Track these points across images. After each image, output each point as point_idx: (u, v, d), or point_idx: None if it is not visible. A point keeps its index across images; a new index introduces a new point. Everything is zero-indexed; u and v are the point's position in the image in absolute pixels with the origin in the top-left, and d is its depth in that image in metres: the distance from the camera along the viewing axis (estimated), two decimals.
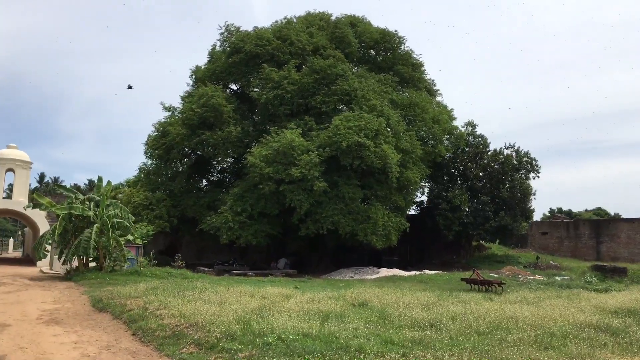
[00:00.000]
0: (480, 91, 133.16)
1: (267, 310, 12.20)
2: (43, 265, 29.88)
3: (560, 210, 74.75)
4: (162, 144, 34.69)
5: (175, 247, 40.30)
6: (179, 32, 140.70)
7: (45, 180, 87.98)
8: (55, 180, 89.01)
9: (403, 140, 33.97)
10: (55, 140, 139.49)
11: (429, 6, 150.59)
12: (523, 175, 40.47)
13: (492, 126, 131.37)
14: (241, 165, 34.51)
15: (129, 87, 46.28)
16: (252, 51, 35.01)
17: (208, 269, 30.50)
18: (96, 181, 26.80)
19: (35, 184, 78.47)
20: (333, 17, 40.14)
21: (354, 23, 39.98)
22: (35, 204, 25.45)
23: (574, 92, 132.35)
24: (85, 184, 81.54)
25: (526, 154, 40.96)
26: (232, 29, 38.99)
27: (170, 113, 37.06)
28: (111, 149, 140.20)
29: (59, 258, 24.71)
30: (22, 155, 35.45)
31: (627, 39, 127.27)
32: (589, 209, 72.33)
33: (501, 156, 40.13)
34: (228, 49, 37.74)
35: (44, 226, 31.70)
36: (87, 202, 24.45)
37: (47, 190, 67.25)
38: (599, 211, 68.79)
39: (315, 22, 38.89)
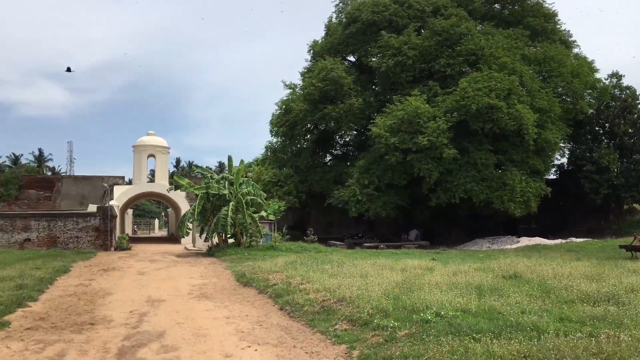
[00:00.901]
0: (626, 38, 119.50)
1: (412, 284, 11.47)
2: (186, 242, 31.82)
3: None
4: (285, 121, 35.13)
5: (303, 222, 41.02)
6: (296, 8, 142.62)
7: (181, 164, 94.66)
8: (190, 164, 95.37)
9: (539, 98, 31.21)
10: (186, 127, 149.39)
11: None
12: None
13: None
14: (365, 138, 33.94)
15: (68, 69, 46.18)
16: (369, 19, 33.94)
17: (339, 243, 30.51)
18: (226, 162, 27.70)
19: (172, 169, 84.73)
20: None
21: None
22: (176, 186, 26.97)
23: None
24: (215, 166, 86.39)
25: None
26: None
27: (291, 90, 37.40)
28: (236, 132, 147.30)
29: (200, 235, 26.01)
30: (161, 141, 37.82)
31: None
32: None
33: None
34: (344, 19, 37.05)
35: (184, 206, 33.67)
36: (221, 182, 25.35)
37: (183, 173, 71.99)
38: None
39: None
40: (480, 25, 35.56)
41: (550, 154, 33.99)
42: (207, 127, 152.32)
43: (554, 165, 38.43)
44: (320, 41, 38.88)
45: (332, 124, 33.93)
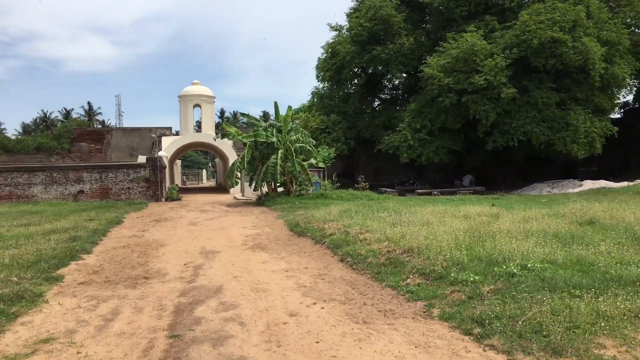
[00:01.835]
0: None
1: (481, 232, 10.55)
2: (235, 192, 31.65)
3: None
4: (332, 65, 33.79)
5: (351, 170, 40.24)
6: None
7: (226, 115, 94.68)
8: (235, 114, 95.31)
9: (606, 30, 28.65)
10: (229, 77, 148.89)
11: None
12: None
13: None
14: (416, 80, 32.30)
15: None
16: None
17: (390, 190, 29.65)
18: (271, 110, 26.92)
19: (217, 120, 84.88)
20: None
21: None
22: (223, 134, 26.45)
23: None
24: (259, 115, 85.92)
25: None
26: None
27: (337, 32, 35.82)
28: (280, 81, 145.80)
29: (250, 184, 25.62)
30: (206, 90, 37.27)
31: None
32: None
33: None
34: None
35: (231, 156, 33.35)
36: (269, 129, 24.65)
37: (228, 124, 71.91)
38: None
39: None
40: None
41: (616, 91, 31.54)
42: (250, 77, 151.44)
43: (618, 103, 35.82)
44: None
45: (381, 66, 32.40)
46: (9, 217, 18.21)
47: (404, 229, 11.19)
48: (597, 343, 4.73)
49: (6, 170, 25.41)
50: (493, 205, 18.70)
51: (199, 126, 41.68)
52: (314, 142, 26.13)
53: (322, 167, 27.30)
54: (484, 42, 27.50)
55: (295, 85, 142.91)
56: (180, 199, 27.81)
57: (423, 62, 29.49)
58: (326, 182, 25.78)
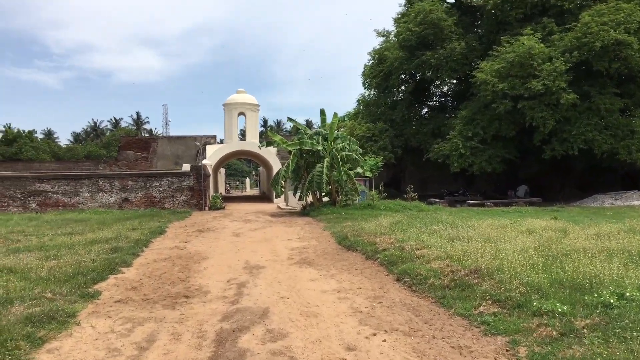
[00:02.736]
0: None
1: (553, 251, 9.45)
2: (279, 201, 31.09)
3: None
4: (379, 72, 32.94)
5: (397, 179, 39.13)
6: None
7: (269, 124, 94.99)
8: (278, 123, 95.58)
9: None
10: (272, 87, 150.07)
11: None
12: None
13: None
14: (466, 86, 31.08)
15: None
16: None
17: (439, 200, 28.44)
18: (314, 119, 26.27)
19: (260, 129, 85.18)
20: None
21: None
22: (268, 142, 25.93)
23: None
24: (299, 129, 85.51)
25: None
26: None
27: (384, 38, 34.95)
28: (323, 90, 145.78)
29: (294, 194, 24.97)
30: (251, 98, 37.05)
31: None
32: None
33: None
34: None
35: (275, 164, 32.87)
36: (315, 137, 23.96)
37: (273, 132, 71.89)
38: None
39: None
40: None
41: None
42: (294, 86, 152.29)
43: None
44: None
45: (430, 72, 31.30)
46: (54, 226, 18.10)
47: (465, 245, 10.18)
48: None
49: (54, 178, 25.62)
50: (555, 218, 17.40)
51: (243, 135, 41.53)
52: (361, 150, 25.25)
53: (368, 177, 26.39)
54: (542, 45, 26.06)
55: (340, 93, 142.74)
56: (223, 208, 27.43)
57: (475, 67, 28.28)
58: (373, 192, 24.85)
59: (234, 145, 35.14)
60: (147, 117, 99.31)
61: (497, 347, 5.24)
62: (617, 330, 5.02)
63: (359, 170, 24.57)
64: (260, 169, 51.55)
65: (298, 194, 24.40)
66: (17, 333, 5.61)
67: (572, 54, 25.23)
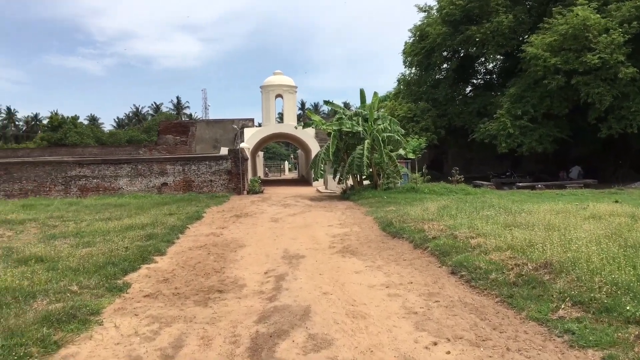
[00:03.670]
0: None
1: (628, 240, 8.34)
2: (318, 185, 30.34)
3: None
4: (421, 49, 31.54)
5: (439, 161, 37.83)
6: None
7: (307, 107, 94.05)
8: (316, 106, 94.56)
9: None
10: (309, 69, 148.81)
11: None
12: None
13: None
14: (513, 62, 29.35)
15: None
16: None
17: (485, 183, 27.09)
18: (352, 101, 25.27)
19: (297, 112, 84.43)
20: None
21: None
22: (306, 123, 25.15)
23: None
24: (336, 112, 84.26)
25: None
26: None
27: (426, 14, 33.39)
28: (361, 72, 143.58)
29: (334, 177, 24.17)
30: (288, 80, 36.24)
31: None
32: None
33: None
34: None
35: (314, 146, 32.10)
36: (354, 118, 23.01)
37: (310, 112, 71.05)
38: None
39: None
40: None
41: None
42: (331, 68, 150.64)
43: None
44: None
45: (475, 48, 29.73)
46: (93, 211, 17.91)
47: (527, 233, 9.17)
48: None
49: (93, 162, 25.58)
50: (616, 201, 16.03)
51: (281, 118, 40.88)
52: (403, 131, 24.16)
53: (410, 159, 25.30)
54: (597, 15, 24.20)
55: (378, 74, 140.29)
56: (262, 192, 26.88)
57: (524, 41, 26.63)
58: (416, 174, 23.77)
59: (272, 127, 34.51)
60: (187, 102, 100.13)
61: None
62: None
63: (401, 152, 23.51)
64: (299, 151, 50.91)
65: (338, 177, 23.59)
66: (31, 336, 5.02)
67: (631, 25, 23.35)
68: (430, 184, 22.63)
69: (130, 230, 12.68)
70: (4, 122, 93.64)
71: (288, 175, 58.15)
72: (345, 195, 22.68)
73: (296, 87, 36.49)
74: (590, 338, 4.69)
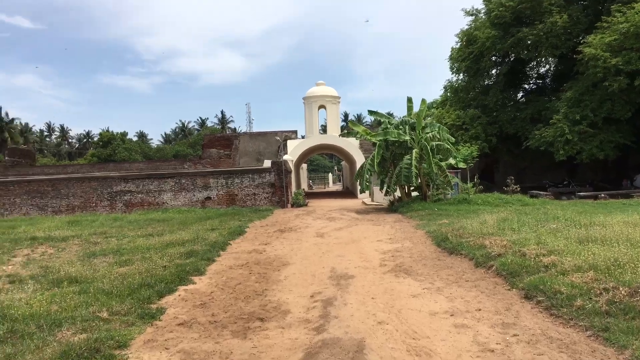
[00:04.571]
0: None
1: None
2: (364, 197, 29.45)
3: None
4: (469, 54, 30.30)
5: (490, 170, 36.25)
6: None
7: (349, 118, 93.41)
8: (359, 117, 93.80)
9: None
10: (351, 81, 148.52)
11: None
12: None
13: None
14: (569, 64, 27.74)
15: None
16: None
17: (542, 193, 25.54)
18: (397, 111, 24.33)
19: (340, 123, 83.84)
20: None
21: None
22: (349, 132, 24.36)
23: None
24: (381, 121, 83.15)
25: None
26: None
27: (473, 17, 32.13)
28: (403, 82, 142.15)
29: (380, 188, 23.24)
30: (331, 90, 35.69)
31: None
32: None
33: None
34: None
35: (358, 157, 31.28)
36: (401, 127, 22.06)
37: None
38: None
39: None
40: None
41: None
42: (373, 80, 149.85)
43: None
44: None
45: (527, 51, 28.26)
46: (136, 226, 17.60)
47: (608, 250, 8.02)
48: None
49: (138, 177, 25.52)
50: None
51: (324, 130, 40.30)
52: (453, 139, 23.01)
53: (461, 168, 24.09)
54: None
55: (422, 84, 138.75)
56: (306, 205, 26.20)
57: (581, 42, 25.06)
58: (468, 184, 22.55)
59: (315, 139, 33.91)
60: (232, 116, 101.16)
61: None
62: None
63: (451, 161, 22.36)
64: (343, 163, 50.16)
65: (384, 188, 22.64)
66: None
67: None
68: (483, 195, 21.44)
69: (170, 247, 12.18)
70: (58, 140, 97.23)
71: (332, 187, 57.44)
72: (393, 208, 21.69)
73: (339, 97, 35.88)
74: None
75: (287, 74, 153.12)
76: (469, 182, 23.29)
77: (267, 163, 28.31)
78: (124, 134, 76.27)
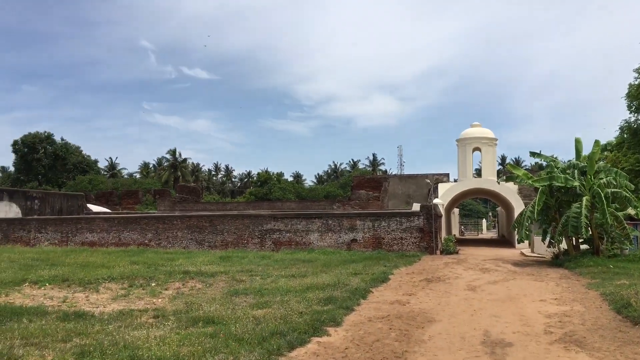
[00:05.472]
0: None
1: None
2: (522, 247, 26.81)
3: None
4: None
5: None
6: None
7: (507, 162, 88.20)
8: (517, 160, 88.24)
9: None
10: (509, 123, 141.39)
11: None
12: None
13: None
14: None
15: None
16: None
17: None
18: (560, 156, 21.79)
19: (497, 167, 79.43)
20: None
21: None
22: (509, 177, 22.45)
23: None
24: (545, 164, 77.16)
25: None
26: None
27: None
28: (566, 125, 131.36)
29: (543, 239, 20.86)
30: (487, 132, 33.72)
31: None
32: None
33: None
34: None
35: (516, 203, 28.79)
36: (568, 171, 19.71)
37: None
38: None
39: None
40: None
41: None
42: (533, 122, 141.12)
43: None
44: None
45: None
46: (282, 265, 17.71)
47: None
48: None
49: (286, 216, 26.04)
50: None
51: (477, 173, 38.12)
52: (632, 186, 19.97)
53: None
54: None
55: (590, 126, 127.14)
56: (457, 252, 24.50)
57: None
58: None
59: (469, 182, 32.05)
60: (383, 159, 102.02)
61: None
62: None
63: (631, 211, 19.34)
64: (499, 209, 46.95)
65: (547, 239, 20.25)
66: None
67: None
68: None
69: (310, 290, 11.80)
70: (223, 178, 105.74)
71: (486, 234, 54.00)
72: (557, 262, 19.22)
73: (496, 139, 33.72)
74: None
75: (441, 116, 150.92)
76: None
77: (416, 206, 27.25)
78: (280, 174, 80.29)
